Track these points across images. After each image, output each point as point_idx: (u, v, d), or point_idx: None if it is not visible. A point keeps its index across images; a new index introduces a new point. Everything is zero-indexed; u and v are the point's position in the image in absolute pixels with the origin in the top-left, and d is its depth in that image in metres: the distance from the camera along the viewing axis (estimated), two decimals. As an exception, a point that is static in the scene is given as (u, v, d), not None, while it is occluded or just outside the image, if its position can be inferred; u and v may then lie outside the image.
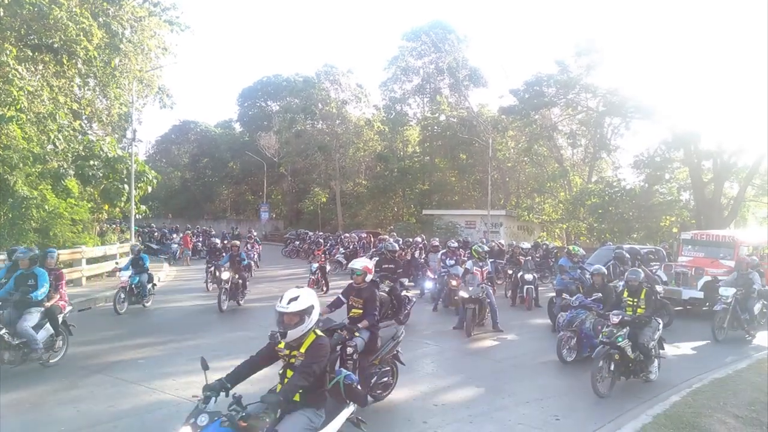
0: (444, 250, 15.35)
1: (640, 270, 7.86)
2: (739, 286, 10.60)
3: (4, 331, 6.78)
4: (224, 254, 13.83)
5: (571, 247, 12.04)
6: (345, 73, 46.49)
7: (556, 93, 29.82)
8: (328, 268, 16.28)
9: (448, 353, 9.19)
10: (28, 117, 15.21)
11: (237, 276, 12.77)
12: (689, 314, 13.24)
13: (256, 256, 20.30)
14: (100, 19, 15.58)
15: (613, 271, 11.66)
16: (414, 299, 11.75)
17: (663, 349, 7.68)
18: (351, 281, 6.70)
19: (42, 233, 15.35)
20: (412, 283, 15.17)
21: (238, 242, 14.69)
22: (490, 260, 13.54)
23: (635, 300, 7.39)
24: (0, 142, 14.45)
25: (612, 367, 6.82)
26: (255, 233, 27.93)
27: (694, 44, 29.76)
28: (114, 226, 24.66)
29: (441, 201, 41.80)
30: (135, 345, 8.98)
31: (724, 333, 10.32)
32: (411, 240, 20.73)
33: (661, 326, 7.48)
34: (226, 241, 17.88)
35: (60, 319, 7.62)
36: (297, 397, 3.69)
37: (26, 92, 14.36)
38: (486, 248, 12.83)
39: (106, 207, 21.35)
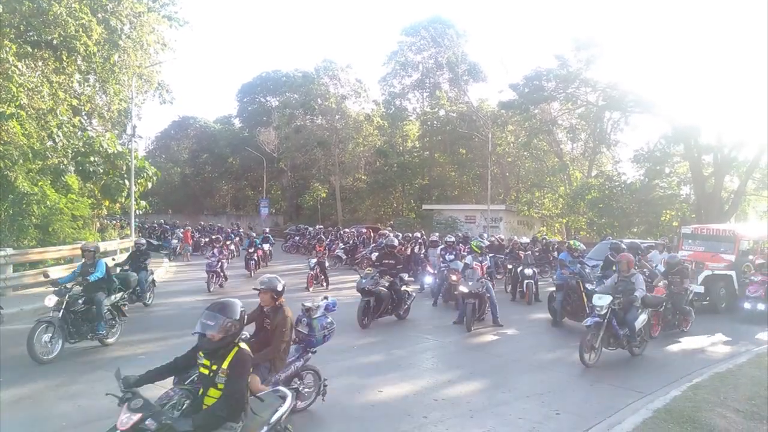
0: (443, 245, 15.36)
1: (218, 315, 3.67)
2: (618, 292, 8.18)
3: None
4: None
5: (571, 242, 12.04)
6: (344, 68, 46.38)
7: (555, 87, 29.68)
8: (327, 263, 16.22)
9: (448, 348, 9.21)
10: (28, 113, 15.20)
11: (82, 302, 8.11)
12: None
13: (221, 265, 15.06)
14: (99, 15, 15.55)
15: (609, 264, 11.67)
16: (414, 294, 11.79)
17: None
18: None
19: (42, 229, 15.36)
20: (412, 278, 15.24)
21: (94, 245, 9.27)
22: (490, 255, 13.59)
23: (214, 366, 3.73)
24: (0, 138, 14.44)
25: None
26: (267, 230, 25.63)
27: (694, 37, 29.77)
28: (114, 222, 24.72)
29: (440, 196, 41.74)
30: (135, 341, 9.01)
31: (596, 355, 7.89)
32: (410, 235, 20.72)
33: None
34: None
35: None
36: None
37: (26, 89, 14.35)
38: (485, 243, 12.87)
39: (107, 203, 21.40)
